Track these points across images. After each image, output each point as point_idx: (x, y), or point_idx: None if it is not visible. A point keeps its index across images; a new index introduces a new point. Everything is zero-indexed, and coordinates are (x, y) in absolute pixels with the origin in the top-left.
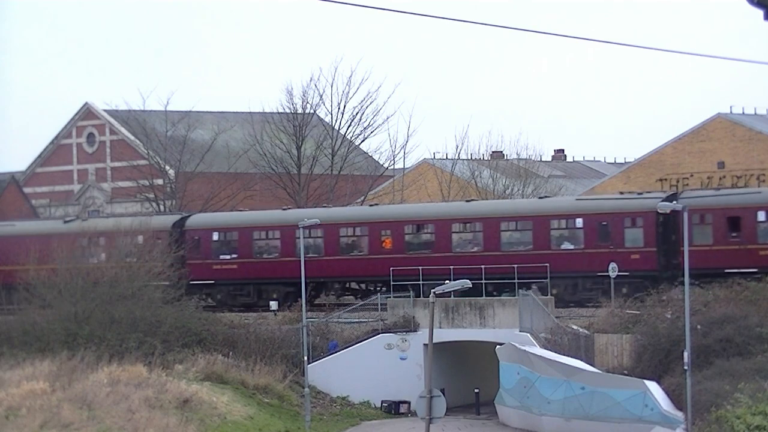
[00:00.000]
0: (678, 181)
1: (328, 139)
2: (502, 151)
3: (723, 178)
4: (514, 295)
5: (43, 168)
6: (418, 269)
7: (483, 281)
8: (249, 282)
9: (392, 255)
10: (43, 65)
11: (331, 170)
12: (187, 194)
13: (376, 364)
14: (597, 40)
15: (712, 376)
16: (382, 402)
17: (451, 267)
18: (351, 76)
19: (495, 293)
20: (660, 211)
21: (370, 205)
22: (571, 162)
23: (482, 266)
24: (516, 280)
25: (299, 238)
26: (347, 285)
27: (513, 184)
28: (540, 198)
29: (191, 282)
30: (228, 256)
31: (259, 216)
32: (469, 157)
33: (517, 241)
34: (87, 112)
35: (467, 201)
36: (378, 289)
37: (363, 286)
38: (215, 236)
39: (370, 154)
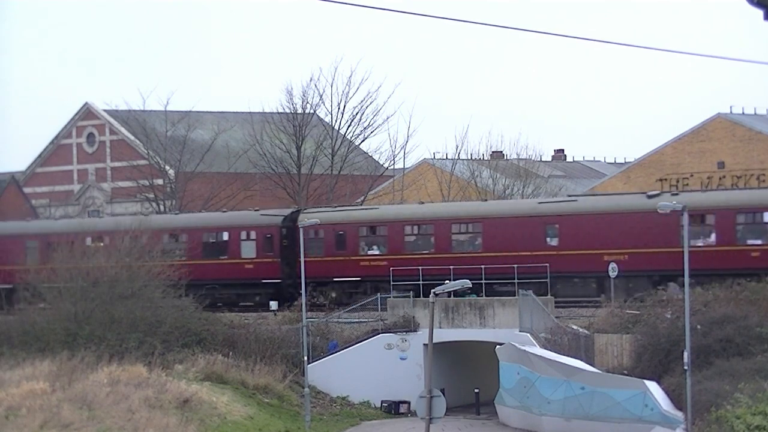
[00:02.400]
0: (678, 181)
1: (328, 139)
2: (502, 151)
3: (723, 178)
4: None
5: (43, 168)
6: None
7: (483, 281)
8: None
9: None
10: (43, 65)
11: (331, 170)
12: (187, 194)
13: (376, 364)
14: (597, 40)
15: (712, 376)
16: (382, 402)
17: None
18: (351, 76)
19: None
20: (660, 212)
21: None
22: (571, 162)
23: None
24: (516, 280)
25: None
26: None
27: (513, 185)
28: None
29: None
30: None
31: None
32: (469, 157)
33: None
34: (87, 112)
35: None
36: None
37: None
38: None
39: (370, 154)
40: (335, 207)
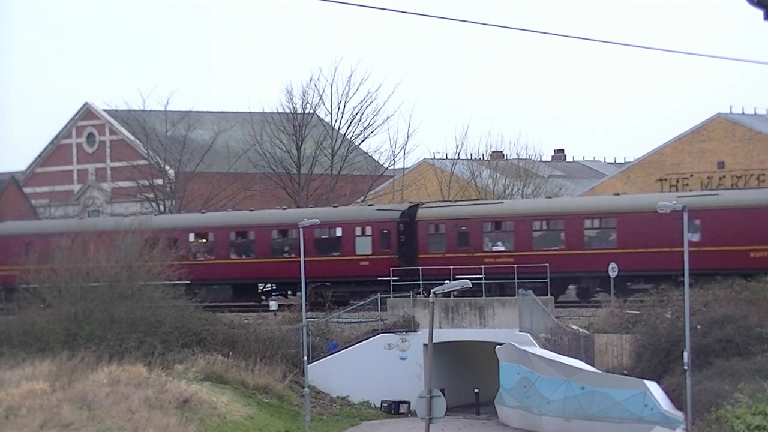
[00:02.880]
0: (678, 181)
1: (328, 139)
2: (502, 151)
3: (723, 178)
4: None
5: (43, 168)
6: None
7: (483, 281)
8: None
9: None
10: (43, 65)
11: (331, 170)
12: (187, 194)
13: (376, 364)
14: (597, 40)
15: (712, 376)
16: (382, 402)
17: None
18: (351, 76)
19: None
20: (660, 211)
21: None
22: (571, 162)
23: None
24: (516, 280)
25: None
26: None
27: (513, 184)
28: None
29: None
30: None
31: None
32: (469, 157)
33: None
34: (87, 112)
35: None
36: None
37: None
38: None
39: (370, 154)
40: (456, 201)
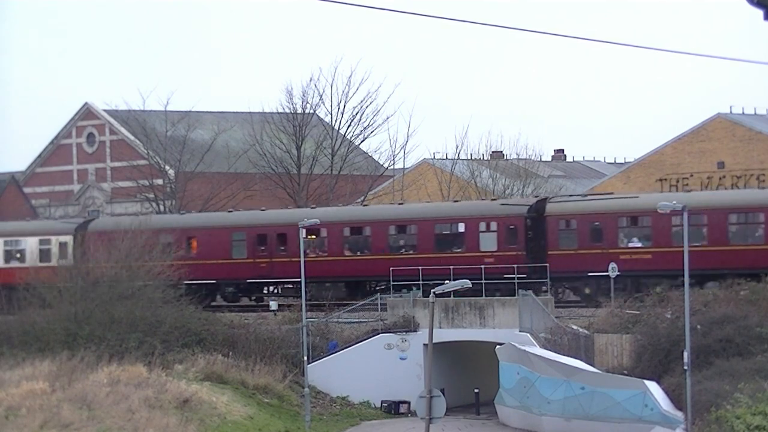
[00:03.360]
0: (678, 181)
1: (328, 139)
2: (501, 151)
3: (723, 178)
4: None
5: (43, 168)
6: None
7: (483, 281)
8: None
9: None
10: (43, 65)
11: (331, 170)
12: (187, 194)
13: (376, 364)
14: (597, 40)
15: (712, 376)
16: (382, 402)
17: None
18: (351, 76)
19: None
20: (660, 211)
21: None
22: (571, 162)
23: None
24: (516, 280)
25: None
26: None
27: (513, 184)
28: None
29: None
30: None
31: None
32: (469, 157)
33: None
34: (87, 112)
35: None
36: None
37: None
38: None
39: (370, 154)
40: (586, 195)
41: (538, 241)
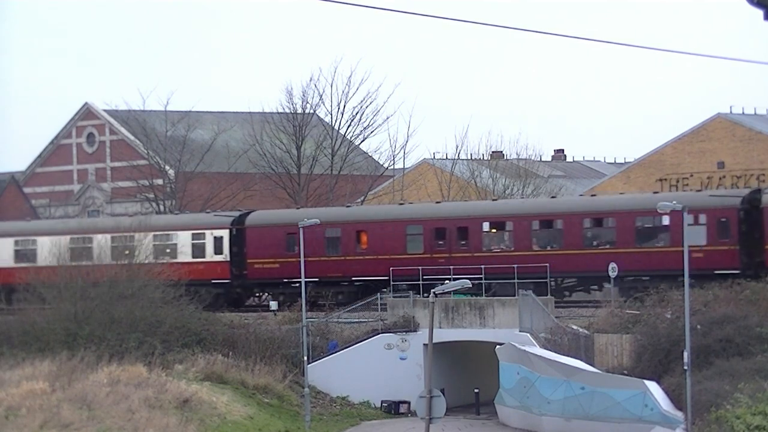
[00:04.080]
0: (678, 181)
1: (328, 139)
2: (501, 151)
3: (723, 178)
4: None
5: (43, 168)
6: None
7: (484, 281)
8: None
9: None
10: (43, 65)
11: (331, 170)
12: (187, 194)
13: (376, 364)
14: (597, 40)
15: (712, 376)
16: (382, 402)
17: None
18: (351, 76)
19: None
20: (660, 211)
21: None
22: (571, 162)
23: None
24: (516, 280)
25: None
26: None
27: (513, 185)
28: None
29: None
30: None
31: None
32: (469, 157)
33: None
34: (87, 112)
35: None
36: None
37: None
38: None
39: (370, 154)
40: None
41: (753, 235)
